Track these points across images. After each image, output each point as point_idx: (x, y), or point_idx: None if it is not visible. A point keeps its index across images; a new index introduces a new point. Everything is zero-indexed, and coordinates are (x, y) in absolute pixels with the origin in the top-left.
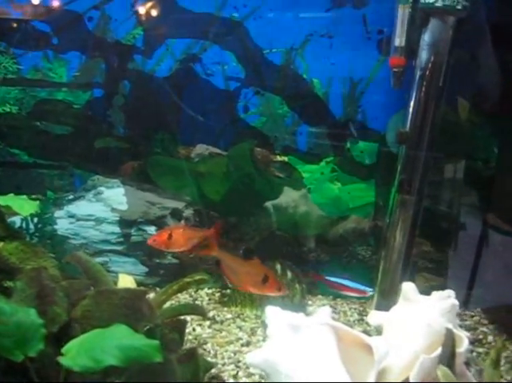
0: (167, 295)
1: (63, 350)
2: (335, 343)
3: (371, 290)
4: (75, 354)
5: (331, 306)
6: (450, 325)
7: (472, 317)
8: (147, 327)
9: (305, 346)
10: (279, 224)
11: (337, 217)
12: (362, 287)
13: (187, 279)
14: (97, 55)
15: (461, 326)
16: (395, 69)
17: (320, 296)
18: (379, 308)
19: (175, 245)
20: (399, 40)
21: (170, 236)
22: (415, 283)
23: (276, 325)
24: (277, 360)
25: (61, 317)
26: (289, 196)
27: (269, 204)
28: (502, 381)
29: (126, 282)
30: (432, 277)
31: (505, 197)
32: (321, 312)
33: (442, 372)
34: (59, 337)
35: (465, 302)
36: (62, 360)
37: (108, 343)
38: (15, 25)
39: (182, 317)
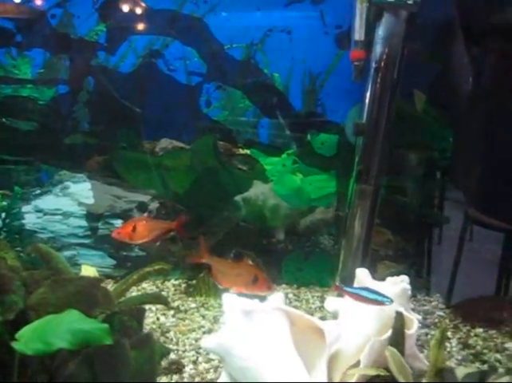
0: (128, 285)
1: (17, 336)
2: (287, 327)
3: (388, 300)
4: (28, 339)
5: (294, 295)
6: (401, 309)
7: (431, 302)
8: (105, 314)
9: (258, 331)
10: (249, 217)
11: (307, 209)
12: (380, 298)
13: (147, 269)
14: (61, 52)
15: (419, 311)
16: (355, 63)
17: (284, 285)
18: (340, 295)
19: (138, 236)
20: (358, 34)
21: (133, 228)
22: (377, 271)
23: (231, 311)
24: (231, 344)
25: (17, 305)
26: (258, 189)
27: (238, 197)
28: (453, 360)
29: (88, 272)
30: (393, 264)
31: (460, 184)
32: (274, 298)
33: (389, 352)
34: (16, 325)
35: (425, 288)
36: (16, 345)
37: (59, 327)
38: None
39: (141, 306)
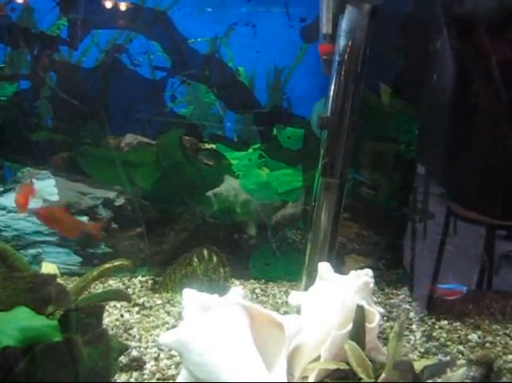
0: (88, 281)
1: None
2: (246, 322)
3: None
4: None
5: (262, 289)
6: (362, 302)
7: (398, 295)
8: (60, 311)
9: (217, 325)
10: (220, 212)
11: (279, 204)
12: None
13: (107, 265)
14: (22, 46)
15: (386, 304)
16: (324, 57)
17: (252, 280)
18: (307, 289)
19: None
20: (326, 27)
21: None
22: (345, 265)
23: (190, 306)
24: (189, 339)
25: None
26: (229, 184)
27: (210, 193)
28: (416, 352)
29: (48, 269)
30: (361, 258)
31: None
32: (233, 292)
33: (348, 345)
34: None
35: (393, 282)
36: None
37: (7, 325)
38: None
39: (100, 303)
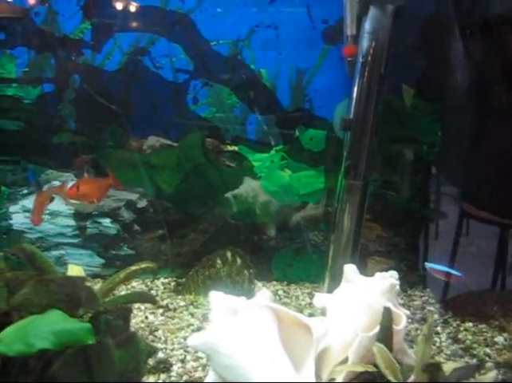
0: (114, 284)
1: None
2: (274, 324)
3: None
4: (10, 340)
5: (284, 291)
6: (389, 304)
7: (421, 297)
8: (90, 314)
9: (245, 328)
10: (239, 213)
11: (298, 205)
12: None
13: (134, 267)
14: (46, 50)
15: (409, 306)
16: (349, 58)
17: (274, 282)
18: (330, 291)
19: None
20: (350, 29)
21: (77, 188)
22: (368, 266)
23: (218, 309)
24: (217, 341)
25: None
26: (248, 186)
27: (229, 194)
28: (442, 355)
29: (75, 272)
30: (383, 260)
31: (452, 178)
32: (261, 295)
33: (377, 348)
34: None
35: (416, 283)
36: None
37: (41, 328)
38: None
39: (127, 305)
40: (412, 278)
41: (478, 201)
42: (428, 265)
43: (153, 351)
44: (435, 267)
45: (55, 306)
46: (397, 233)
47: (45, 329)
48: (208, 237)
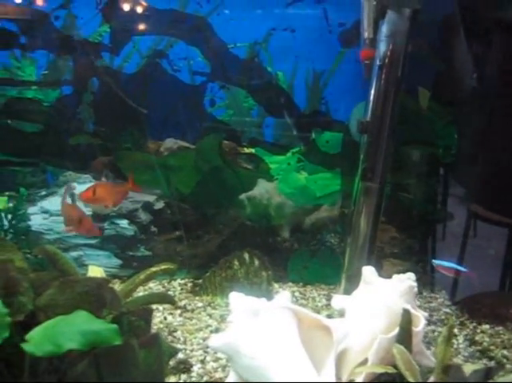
0: (135, 285)
1: (27, 337)
2: (294, 325)
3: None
4: (38, 340)
5: (300, 293)
6: (407, 306)
7: (437, 298)
8: (112, 314)
9: (266, 329)
10: (253, 215)
11: (311, 207)
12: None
13: (154, 269)
14: (65, 53)
15: (425, 308)
16: (366, 61)
17: (290, 283)
18: (346, 293)
19: (99, 200)
20: (367, 32)
21: (94, 192)
22: (383, 268)
23: (238, 310)
24: (238, 342)
25: (26, 307)
26: (263, 187)
27: (243, 196)
28: (460, 357)
29: (95, 273)
30: (399, 262)
31: (462, 180)
32: (281, 296)
33: (397, 349)
34: (25, 326)
35: (431, 285)
36: (26, 346)
37: (69, 329)
38: None
39: (148, 306)
40: (427, 280)
41: (493, 204)
42: (435, 262)
43: (175, 352)
44: (443, 264)
45: (80, 306)
46: (412, 235)
47: (72, 329)
48: (224, 238)
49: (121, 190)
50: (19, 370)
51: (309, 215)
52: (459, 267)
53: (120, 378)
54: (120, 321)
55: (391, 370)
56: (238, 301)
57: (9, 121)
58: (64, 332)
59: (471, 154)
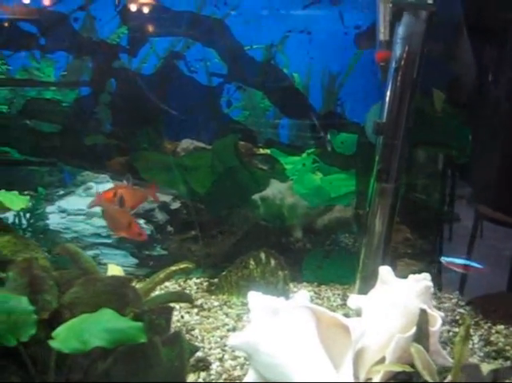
0: (154, 284)
1: (53, 334)
2: (313, 324)
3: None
4: (64, 338)
5: (315, 293)
6: (424, 306)
7: (451, 299)
8: (134, 312)
9: (285, 328)
10: (266, 215)
11: (324, 207)
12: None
13: (173, 268)
14: (84, 54)
15: (439, 308)
16: (381, 63)
17: (305, 283)
18: (361, 293)
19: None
20: (383, 34)
21: (114, 195)
22: (397, 269)
23: (257, 309)
24: (257, 341)
25: (51, 305)
26: (275, 188)
27: (256, 196)
28: (475, 357)
29: (114, 271)
30: (413, 262)
31: (480, 183)
32: (299, 296)
33: (414, 348)
34: (50, 323)
35: (445, 285)
36: (53, 343)
37: (94, 326)
38: (2, 26)
39: (168, 304)
40: (442, 281)
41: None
42: (445, 259)
43: (195, 350)
44: (453, 261)
45: (103, 304)
46: (426, 235)
47: (98, 327)
48: (238, 238)
49: (141, 195)
50: (45, 367)
51: (321, 216)
52: (472, 263)
53: (144, 376)
54: (141, 320)
55: (408, 369)
56: (257, 300)
57: (28, 121)
58: (90, 329)
59: (484, 156)
